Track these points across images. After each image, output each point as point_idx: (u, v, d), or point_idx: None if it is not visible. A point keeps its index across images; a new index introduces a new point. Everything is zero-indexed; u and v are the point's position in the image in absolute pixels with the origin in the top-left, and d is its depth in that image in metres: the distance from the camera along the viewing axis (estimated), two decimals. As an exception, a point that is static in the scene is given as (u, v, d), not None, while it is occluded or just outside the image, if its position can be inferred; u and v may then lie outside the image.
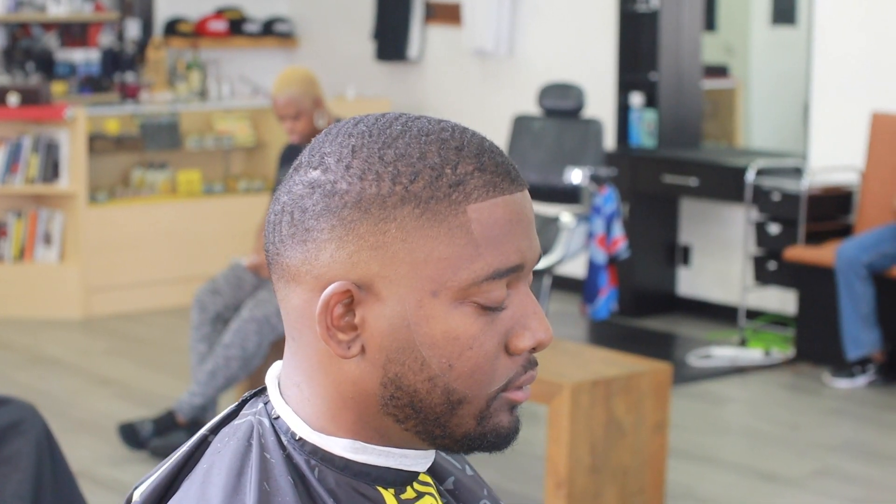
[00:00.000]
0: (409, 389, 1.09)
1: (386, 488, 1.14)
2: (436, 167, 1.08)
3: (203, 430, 1.17)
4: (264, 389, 1.18)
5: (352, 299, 1.09)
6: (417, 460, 1.15)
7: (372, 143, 1.10)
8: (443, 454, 1.23)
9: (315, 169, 1.10)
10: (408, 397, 1.10)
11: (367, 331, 1.09)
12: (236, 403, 1.19)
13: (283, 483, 1.09)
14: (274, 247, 1.12)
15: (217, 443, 1.14)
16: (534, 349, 1.12)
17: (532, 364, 1.13)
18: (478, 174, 1.09)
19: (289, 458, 1.11)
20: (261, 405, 1.16)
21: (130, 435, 5.15)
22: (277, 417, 1.14)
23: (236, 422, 1.15)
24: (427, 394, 1.09)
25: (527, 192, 1.12)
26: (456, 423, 1.11)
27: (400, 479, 1.15)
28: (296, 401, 1.14)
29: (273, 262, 1.13)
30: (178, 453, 1.16)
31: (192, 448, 1.16)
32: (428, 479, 1.19)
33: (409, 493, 1.15)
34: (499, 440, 1.13)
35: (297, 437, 1.12)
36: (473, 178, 1.09)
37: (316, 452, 1.12)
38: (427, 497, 1.17)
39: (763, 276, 6.81)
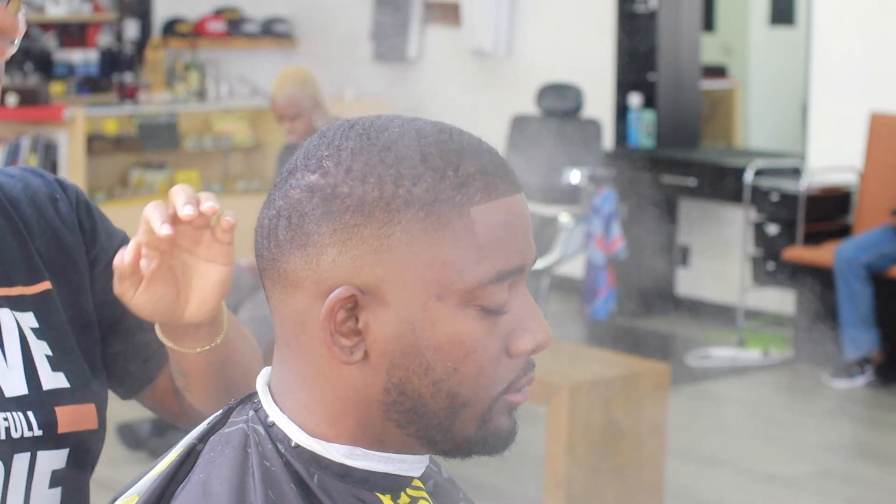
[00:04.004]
0: (412, 394, 1.09)
1: (384, 494, 1.13)
2: (438, 169, 1.07)
3: (189, 439, 1.15)
4: (250, 397, 1.17)
5: (355, 304, 1.07)
6: (414, 465, 1.15)
7: (371, 145, 1.09)
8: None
9: (313, 172, 1.09)
10: (411, 402, 1.09)
11: (370, 336, 1.08)
12: (222, 411, 1.17)
13: (286, 491, 1.08)
14: (269, 252, 1.10)
15: (209, 452, 1.12)
16: (533, 351, 1.12)
17: (531, 366, 1.13)
18: (479, 176, 1.08)
19: (288, 466, 1.10)
20: (251, 413, 1.14)
21: (129, 435, 5.15)
22: (273, 425, 1.12)
23: (226, 430, 1.13)
24: (431, 398, 1.09)
25: (523, 194, 1.12)
26: (458, 427, 1.10)
27: (397, 485, 1.14)
28: (292, 408, 1.12)
29: (267, 268, 1.11)
30: (164, 463, 1.15)
31: (181, 458, 1.14)
32: (420, 483, 1.18)
33: (404, 499, 1.15)
34: (498, 443, 1.13)
35: (293, 445, 1.11)
36: (475, 181, 1.08)
37: (314, 460, 1.11)
38: (421, 501, 1.17)
39: (761, 277, 6.81)
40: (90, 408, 1.42)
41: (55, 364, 1.41)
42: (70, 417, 1.40)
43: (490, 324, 1.09)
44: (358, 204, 1.07)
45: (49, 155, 7.35)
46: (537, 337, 1.12)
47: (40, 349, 1.41)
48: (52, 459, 1.39)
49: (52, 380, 1.40)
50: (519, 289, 1.11)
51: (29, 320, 1.42)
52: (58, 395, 1.39)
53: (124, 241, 1.50)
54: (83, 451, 1.42)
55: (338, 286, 1.07)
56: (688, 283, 7.54)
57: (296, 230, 1.09)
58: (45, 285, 1.43)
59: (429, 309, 1.07)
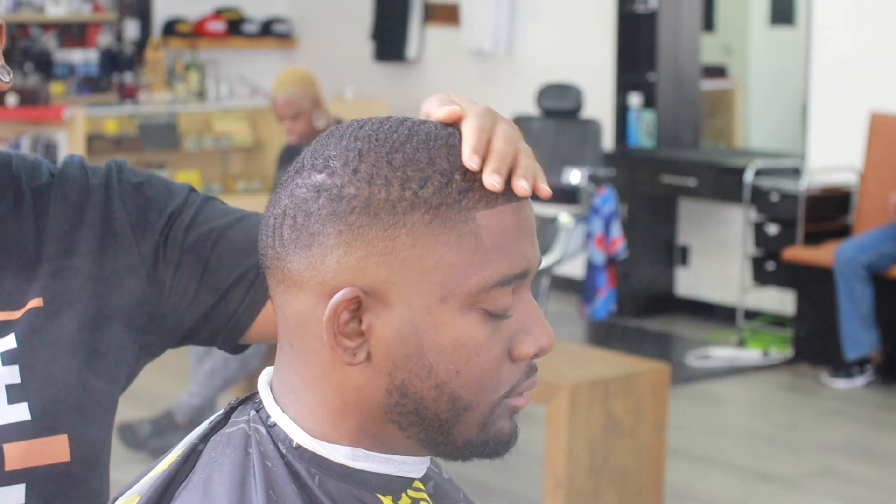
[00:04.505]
0: (415, 396, 1.09)
1: (385, 495, 1.13)
2: (445, 173, 1.07)
3: (191, 439, 1.15)
4: (252, 397, 1.17)
5: (359, 305, 1.07)
6: (415, 466, 1.15)
7: (379, 147, 1.08)
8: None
9: (320, 172, 1.09)
10: (413, 404, 1.09)
11: (373, 337, 1.08)
12: (223, 411, 1.17)
13: (287, 491, 1.08)
14: (273, 251, 1.10)
15: (210, 452, 1.12)
16: (536, 355, 1.12)
17: (533, 370, 1.13)
18: None
19: (289, 466, 1.10)
20: (253, 413, 1.14)
21: (129, 435, 5.15)
22: (274, 425, 1.12)
23: (227, 430, 1.13)
24: (433, 401, 1.09)
25: (530, 200, 1.12)
26: (459, 429, 1.10)
27: (398, 486, 1.14)
28: (293, 408, 1.12)
29: (271, 267, 1.11)
30: (165, 463, 1.15)
31: (183, 458, 1.14)
32: (420, 484, 1.18)
33: (405, 500, 1.15)
34: (499, 446, 1.13)
35: (295, 445, 1.11)
36: (482, 185, 1.08)
37: (316, 460, 1.11)
38: (422, 502, 1.17)
39: (761, 277, 6.81)
40: (58, 439, 1.37)
41: (17, 394, 1.35)
42: (25, 452, 1.34)
43: (493, 327, 1.09)
44: (364, 205, 1.07)
45: (49, 155, 7.35)
46: (540, 341, 1.12)
47: (3, 378, 1.34)
48: (6, 496, 1.34)
49: (7, 413, 1.34)
50: (522, 293, 1.11)
51: (5, 344, 1.36)
52: (11, 430, 1.34)
53: (189, 198, 1.46)
54: (48, 485, 1.37)
55: (342, 287, 1.07)
56: (688, 283, 7.54)
57: (301, 230, 1.08)
58: (35, 302, 1.37)
59: (432, 312, 1.07)
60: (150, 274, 1.43)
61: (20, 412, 1.35)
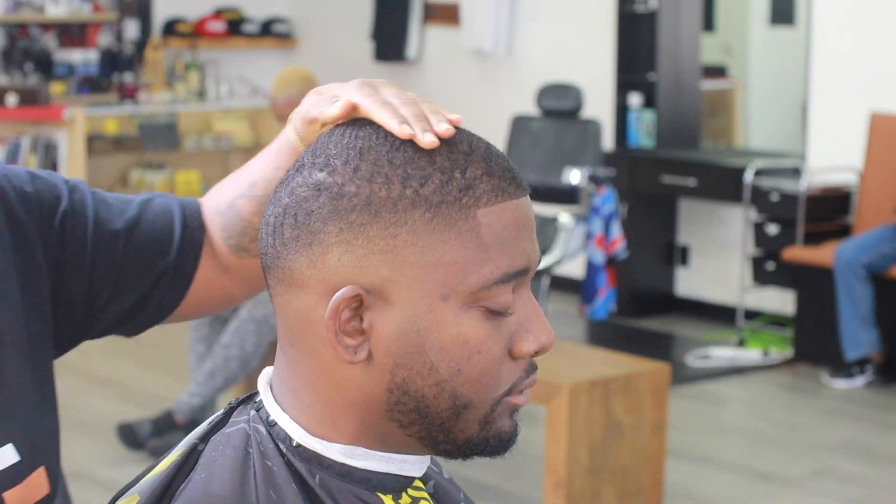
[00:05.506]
0: (416, 395, 1.09)
1: (385, 493, 1.13)
2: (445, 171, 1.08)
3: (191, 438, 1.15)
4: (252, 397, 1.17)
5: (360, 304, 1.07)
6: (416, 465, 1.15)
7: (379, 145, 1.09)
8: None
9: (320, 170, 1.09)
10: (414, 402, 1.09)
11: (374, 335, 1.08)
12: (223, 411, 1.17)
13: (288, 491, 1.08)
14: (273, 249, 1.10)
15: (210, 451, 1.12)
16: (536, 353, 1.12)
17: (533, 368, 1.13)
18: (486, 178, 1.09)
19: (289, 465, 1.10)
20: (252, 412, 1.14)
21: (129, 435, 5.15)
22: (274, 424, 1.12)
23: (227, 430, 1.13)
24: (434, 399, 1.09)
25: (529, 197, 1.13)
26: (460, 428, 1.10)
27: (398, 485, 1.14)
28: (293, 407, 1.12)
29: (271, 266, 1.11)
30: (165, 462, 1.15)
31: (183, 457, 1.14)
32: (421, 483, 1.18)
33: (405, 499, 1.15)
34: (500, 445, 1.13)
35: (295, 444, 1.11)
36: (482, 183, 1.08)
37: (316, 459, 1.11)
38: (423, 501, 1.17)
39: (761, 277, 6.81)
40: (39, 473, 1.34)
41: (1, 437, 1.31)
42: (21, 495, 1.32)
43: (494, 325, 1.09)
44: (365, 203, 1.07)
45: (49, 155, 7.35)
46: (540, 339, 1.12)
47: None
48: None
49: None
50: (523, 291, 1.12)
51: None
52: (5, 477, 1.31)
53: (73, 197, 1.42)
54: None
55: (343, 285, 1.07)
56: (687, 282, 7.54)
57: (302, 228, 1.09)
58: None
59: (433, 310, 1.07)
60: (57, 281, 1.39)
61: (8, 455, 1.32)
